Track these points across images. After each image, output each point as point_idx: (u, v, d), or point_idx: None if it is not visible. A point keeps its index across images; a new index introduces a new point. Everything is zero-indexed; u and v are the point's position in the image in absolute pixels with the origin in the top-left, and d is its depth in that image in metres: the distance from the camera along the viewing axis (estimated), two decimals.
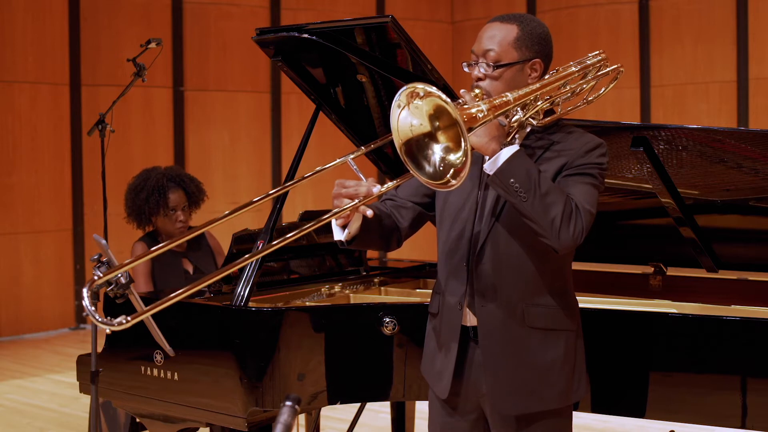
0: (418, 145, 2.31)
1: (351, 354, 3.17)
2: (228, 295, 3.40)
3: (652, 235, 3.68)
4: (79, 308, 8.70)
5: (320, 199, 9.50)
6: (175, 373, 3.27)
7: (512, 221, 2.52)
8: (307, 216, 3.97)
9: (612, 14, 9.75)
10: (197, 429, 3.86)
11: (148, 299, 3.30)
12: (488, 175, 2.41)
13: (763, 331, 2.87)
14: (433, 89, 2.22)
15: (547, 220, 2.39)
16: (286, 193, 3.27)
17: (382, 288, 3.94)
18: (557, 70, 2.62)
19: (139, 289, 4.10)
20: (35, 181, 8.55)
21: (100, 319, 2.13)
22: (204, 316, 3.29)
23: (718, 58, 9.21)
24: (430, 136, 2.30)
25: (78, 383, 3.88)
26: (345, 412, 5.27)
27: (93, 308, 2.16)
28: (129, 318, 2.13)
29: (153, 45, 5.06)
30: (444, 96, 2.21)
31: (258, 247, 3.36)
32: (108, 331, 2.18)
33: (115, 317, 2.14)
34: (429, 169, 2.31)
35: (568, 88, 2.63)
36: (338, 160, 2.53)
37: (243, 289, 3.23)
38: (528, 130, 2.60)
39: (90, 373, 3.33)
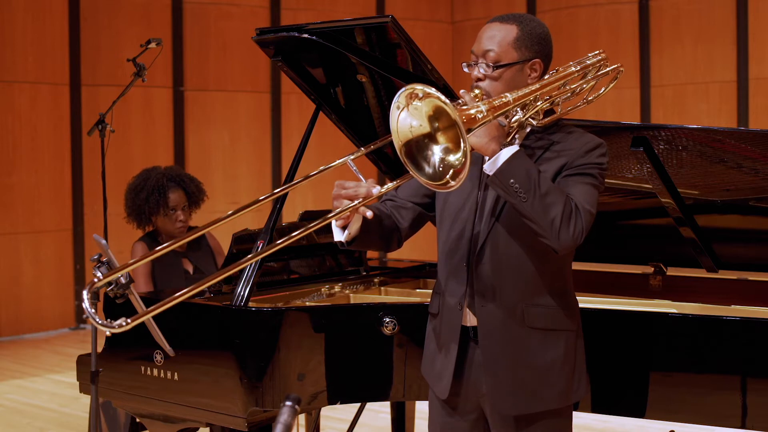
0: (417, 146, 2.31)
1: (351, 354, 3.17)
2: (228, 295, 3.40)
3: (652, 235, 3.68)
4: (79, 308, 8.70)
5: (320, 199, 9.50)
6: (175, 373, 3.27)
7: (512, 221, 2.52)
8: (308, 216, 3.97)
9: (612, 14, 9.75)
10: (197, 429, 3.86)
11: (149, 299, 3.30)
12: (488, 175, 2.41)
13: (763, 331, 2.87)
14: (432, 90, 2.22)
15: (546, 221, 2.39)
16: (287, 193, 3.27)
17: (382, 288, 3.94)
18: (557, 70, 2.62)
19: (139, 289, 4.10)
20: (35, 181, 8.55)
21: (100, 322, 2.13)
22: (204, 316, 3.29)
23: (718, 58, 9.21)
24: (430, 137, 2.30)
25: (78, 383, 3.88)
26: (345, 412, 5.27)
27: (93, 311, 2.16)
28: (129, 320, 2.13)
29: (153, 45, 5.05)
30: (443, 97, 2.20)
31: (258, 247, 3.36)
32: (108, 333, 2.17)
33: (115, 317, 2.14)
34: (428, 170, 2.31)
35: (567, 88, 2.63)
36: (338, 161, 2.53)
37: (243, 289, 3.23)
38: (528, 130, 2.60)
39: (90, 373, 3.33)
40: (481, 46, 2.56)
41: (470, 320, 2.61)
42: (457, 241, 2.62)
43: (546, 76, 2.59)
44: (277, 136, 9.83)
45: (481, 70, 2.55)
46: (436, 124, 2.29)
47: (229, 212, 2.41)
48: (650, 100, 9.54)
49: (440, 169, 2.29)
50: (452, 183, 2.27)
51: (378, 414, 5.55)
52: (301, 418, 3.98)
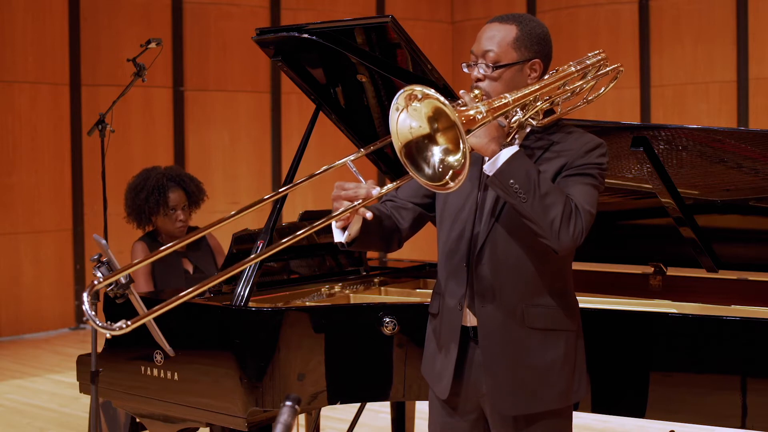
0: (417, 147, 2.31)
1: (351, 354, 3.17)
2: (228, 295, 3.40)
3: (652, 235, 3.68)
4: (79, 308, 8.70)
5: (320, 199, 9.50)
6: (175, 373, 3.27)
7: (512, 222, 2.52)
8: (308, 216, 3.97)
9: (612, 14, 9.75)
10: (197, 429, 3.86)
11: (148, 299, 3.30)
12: (488, 176, 2.41)
13: (763, 331, 2.87)
14: (431, 91, 2.22)
15: (546, 221, 2.39)
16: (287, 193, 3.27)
17: (382, 288, 3.94)
18: (557, 70, 2.62)
19: (139, 289, 4.10)
20: (35, 181, 8.55)
21: (100, 324, 2.13)
22: (204, 316, 3.29)
23: (718, 58, 9.21)
24: (430, 138, 2.30)
25: (78, 383, 3.88)
26: (345, 412, 5.28)
27: (93, 313, 2.16)
28: (129, 322, 2.13)
29: (153, 45, 5.06)
30: (442, 98, 2.20)
31: (258, 247, 3.36)
32: (108, 336, 2.17)
33: (115, 317, 2.14)
34: (428, 171, 2.31)
35: (567, 88, 2.63)
36: (338, 163, 2.53)
37: (243, 289, 3.23)
38: (528, 130, 2.60)
39: (90, 373, 3.33)
40: (481, 47, 2.55)
41: (470, 320, 2.61)
42: (457, 241, 2.62)
43: (546, 76, 2.58)
44: (277, 136, 9.84)
45: (481, 71, 2.54)
46: (436, 125, 2.29)
47: (232, 212, 2.41)
48: (650, 100, 9.54)
49: (440, 170, 2.29)
50: (451, 184, 2.27)
51: (378, 414, 5.55)
52: (301, 418, 3.98)
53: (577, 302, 2.67)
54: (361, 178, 2.47)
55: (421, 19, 10.62)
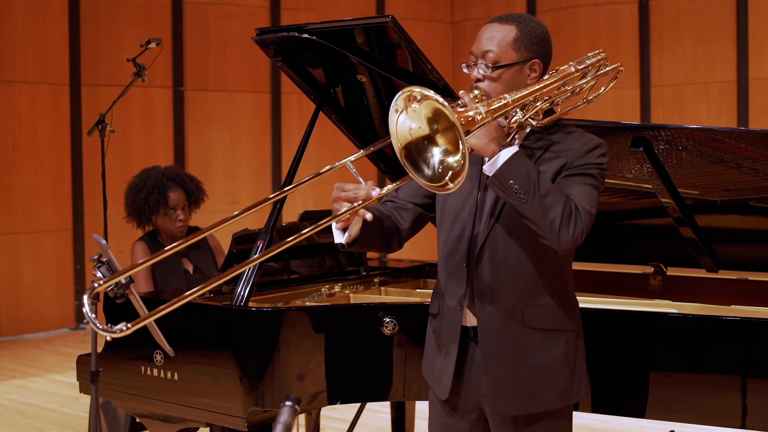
0: (417, 148, 2.31)
1: (351, 354, 3.17)
2: (228, 295, 3.40)
3: (652, 235, 3.68)
4: (79, 308, 8.71)
5: (320, 199, 9.50)
6: (175, 373, 3.27)
7: (512, 222, 2.52)
8: (308, 216, 3.97)
9: (612, 14, 9.75)
10: (197, 429, 3.86)
11: (148, 299, 3.29)
12: (487, 176, 2.41)
13: (763, 331, 2.87)
14: (430, 93, 2.22)
15: (546, 222, 2.39)
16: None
17: (382, 288, 3.94)
18: (557, 70, 2.62)
19: (139, 289, 4.09)
20: (35, 181, 8.55)
21: (101, 327, 2.13)
22: (204, 316, 3.29)
23: (718, 58, 9.21)
24: (429, 139, 2.30)
25: (78, 383, 3.88)
26: (345, 412, 5.27)
27: (94, 315, 2.16)
28: (129, 325, 2.13)
29: (153, 45, 5.05)
30: (441, 99, 2.20)
31: (258, 248, 3.36)
32: (108, 338, 2.18)
33: (115, 316, 2.14)
34: (428, 171, 2.31)
35: (567, 88, 2.63)
36: (338, 164, 2.53)
37: (243, 289, 3.23)
38: (527, 130, 2.59)
39: (90, 373, 3.33)
40: (480, 47, 2.55)
41: (470, 321, 2.61)
42: (457, 241, 2.62)
43: (545, 77, 2.58)
44: (277, 136, 9.83)
45: (481, 71, 2.54)
46: (435, 126, 2.29)
47: (236, 212, 2.41)
48: (650, 100, 9.54)
49: (439, 171, 2.29)
50: (451, 185, 2.27)
51: (378, 414, 5.55)
52: (301, 418, 3.98)
53: (577, 302, 2.67)
54: (360, 179, 2.47)
55: (421, 19, 10.62)
